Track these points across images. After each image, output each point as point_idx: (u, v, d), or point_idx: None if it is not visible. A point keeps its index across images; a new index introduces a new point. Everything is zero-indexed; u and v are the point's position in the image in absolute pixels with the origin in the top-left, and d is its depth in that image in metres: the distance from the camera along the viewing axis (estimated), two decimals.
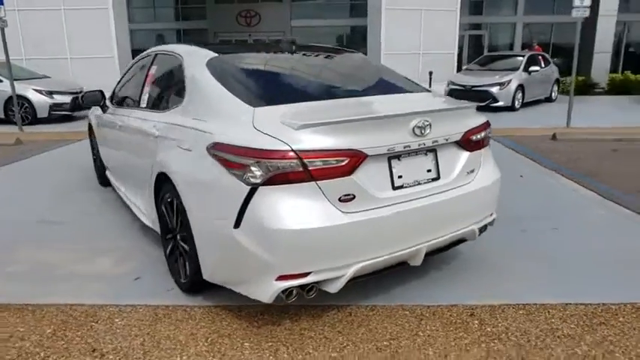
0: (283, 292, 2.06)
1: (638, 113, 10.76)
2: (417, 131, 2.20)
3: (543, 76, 12.23)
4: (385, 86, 2.98)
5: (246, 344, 2.25)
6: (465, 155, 2.49)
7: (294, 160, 1.95)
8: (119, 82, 4.29)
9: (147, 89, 3.36)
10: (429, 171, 2.35)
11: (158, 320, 2.47)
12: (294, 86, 2.71)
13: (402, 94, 2.83)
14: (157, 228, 3.10)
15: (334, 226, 2.01)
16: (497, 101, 10.81)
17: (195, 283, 2.58)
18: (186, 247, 2.54)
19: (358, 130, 2.08)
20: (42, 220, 4.03)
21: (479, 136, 2.55)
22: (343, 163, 2.02)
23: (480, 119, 2.63)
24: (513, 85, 10.98)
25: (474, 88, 11.04)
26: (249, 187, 2.00)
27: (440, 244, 2.43)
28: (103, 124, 4.34)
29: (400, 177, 2.23)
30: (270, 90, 2.54)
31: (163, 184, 2.77)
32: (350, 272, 2.11)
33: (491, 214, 2.73)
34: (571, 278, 2.87)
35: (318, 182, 2.00)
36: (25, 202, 4.53)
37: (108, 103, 4.27)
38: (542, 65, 12.24)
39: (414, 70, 13.54)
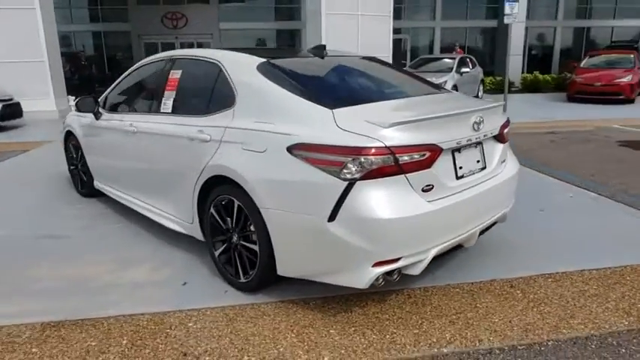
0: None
1: (552, 109, 12.17)
2: (475, 126, 2.50)
3: (471, 77, 13.34)
4: (421, 87, 3.24)
5: (332, 331, 2.40)
6: (499, 147, 2.83)
7: (388, 156, 2.14)
8: (114, 88, 4.13)
9: (170, 94, 3.31)
10: (478, 162, 2.65)
11: (232, 320, 2.52)
12: (354, 89, 2.88)
13: (440, 94, 3.11)
14: (196, 233, 3.11)
15: (422, 214, 2.23)
16: None
17: (263, 281, 2.66)
18: (253, 246, 2.61)
19: (434, 127, 2.32)
20: (41, 235, 3.78)
21: (506, 130, 2.92)
22: (425, 157, 2.25)
23: (504, 116, 2.99)
24: (449, 86, 11.84)
25: None
26: (345, 183, 2.15)
27: (484, 227, 2.74)
28: (96, 132, 4.15)
29: (461, 168, 2.51)
30: (336, 92, 2.69)
31: (214, 188, 2.80)
32: (431, 255, 2.34)
33: (511, 200, 3.11)
34: (574, 250, 3.34)
35: (407, 175, 2.21)
36: (6, 220, 4.19)
37: (101, 109, 4.11)
38: (471, 67, 13.36)
39: None
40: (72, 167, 4.94)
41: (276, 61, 2.88)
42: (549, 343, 2.28)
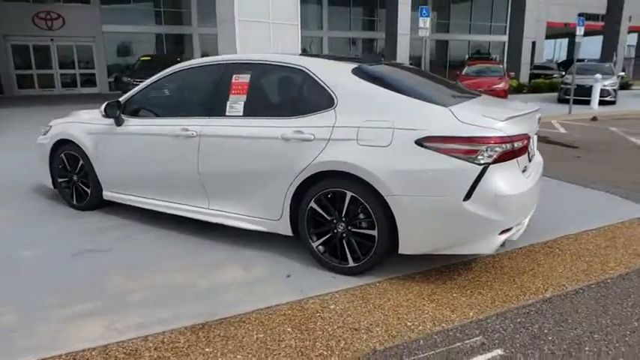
0: None
1: None
2: (539, 121, 3.15)
3: None
4: (465, 91, 3.81)
5: (454, 294, 2.82)
6: (535, 139, 3.55)
7: (509, 144, 2.66)
8: (138, 93, 3.95)
9: (238, 98, 3.38)
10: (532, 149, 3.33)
11: (365, 298, 2.79)
12: (439, 90, 3.29)
13: (485, 97, 3.67)
14: (282, 229, 3.27)
15: (526, 190, 2.80)
16: None
17: (375, 263, 2.97)
18: (369, 231, 2.91)
19: (524, 121, 2.90)
20: (77, 252, 3.49)
21: None
22: (524, 144, 2.82)
23: None
24: None
25: None
26: (480, 167, 2.61)
27: None
28: (119, 139, 3.93)
29: (529, 154, 3.14)
30: (432, 93, 3.09)
31: (316, 183, 3.03)
32: (524, 225, 2.92)
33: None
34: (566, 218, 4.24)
35: (517, 159, 2.75)
36: (17, 239, 3.73)
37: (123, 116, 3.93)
38: None
39: None
40: (62, 180, 4.51)
41: (364, 67, 3.21)
42: (608, 281, 3.02)
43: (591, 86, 14.47)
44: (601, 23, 34.56)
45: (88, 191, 4.33)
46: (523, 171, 2.89)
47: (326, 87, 3.09)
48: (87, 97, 18.71)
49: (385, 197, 2.79)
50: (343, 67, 3.17)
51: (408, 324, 2.53)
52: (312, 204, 3.08)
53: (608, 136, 9.20)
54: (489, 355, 2.27)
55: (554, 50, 47.67)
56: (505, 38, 31.55)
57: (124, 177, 4.03)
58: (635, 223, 4.09)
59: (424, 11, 10.09)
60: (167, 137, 3.65)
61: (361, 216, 2.94)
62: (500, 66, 16.14)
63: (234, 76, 3.47)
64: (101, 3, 20.38)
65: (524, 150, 2.83)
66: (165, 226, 3.95)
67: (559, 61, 36.08)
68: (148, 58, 15.43)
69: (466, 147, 2.63)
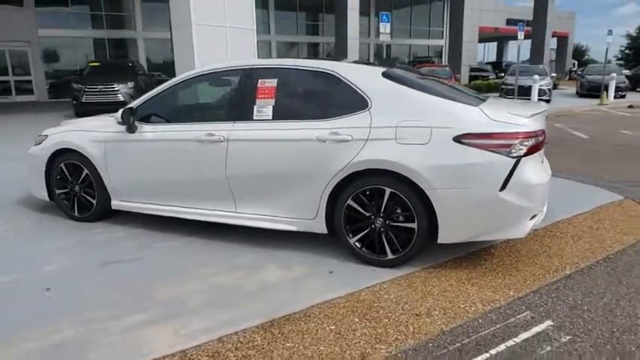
0: None
1: None
2: (546, 119, 3.50)
3: None
4: (471, 93, 4.10)
5: (490, 277, 3.08)
6: None
7: (534, 138, 2.95)
8: (149, 100, 3.89)
9: (266, 102, 3.44)
10: None
11: (412, 286, 2.98)
12: (458, 92, 3.51)
13: (493, 98, 3.98)
14: (317, 227, 3.39)
15: (547, 179, 3.12)
16: None
17: (414, 254, 3.17)
18: (408, 224, 3.10)
19: (540, 118, 3.22)
20: (104, 262, 3.41)
21: None
22: (542, 138, 3.14)
23: None
24: None
25: None
26: (514, 160, 2.88)
27: None
28: (133, 146, 3.85)
29: None
30: (454, 95, 3.32)
31: (353, 181, 3.18)
32: (544, 212, 3.23)
33: None
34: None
35: (540, 152, 3.06)
36: (27, 255, 3.56)
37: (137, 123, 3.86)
38: None
39: None
40: (61, 191, 4.32)
41: (392, 71, 3.40)
42: (611, 256, 3.42)
43: (530, 86, 15.68)
44: (528, 28, 37.43)
45: (94, 201, 4.19)
46: (542, 162, 3.21)
47: (359, 90, 3.26)
48: (23, 105, 17.56)
49: (426, 191, 2.99)
50: (374, 71, 3.35)
51: (461, 306, 2.74)
52: (350, 201, 3.23)
53: (555, 131, 10.05)
54: (542, 326, 2.53)
55: (485, 53, 50.89)
56: (442, 42, 33.31)
57: (139, 185, 3.95)
58: (611, 206, 4.60)
59: (384, 17, 10.52)
60: (190, 142, 3.64)
61: (399, 210, 3.13)
62: (447, 69, 17.03)
63: (259, 80, 3.54)
64: (36, 5, 19.18)
65: (542, 144, 3.16)
66: (183, 233, 3.92)
67: (487, 63, 38.50)
68: (98, 63, 14.73)
69: (501, 142, 2.90)
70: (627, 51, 38.29)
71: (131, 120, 3.80)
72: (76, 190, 4.26)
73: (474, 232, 3.09)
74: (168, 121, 3.85)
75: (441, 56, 32.59)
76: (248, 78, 3.59)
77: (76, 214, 4.31)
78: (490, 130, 2.93)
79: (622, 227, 4.01)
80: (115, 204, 4.12)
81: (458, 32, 23.66)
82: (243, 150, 3.49)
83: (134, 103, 3.96)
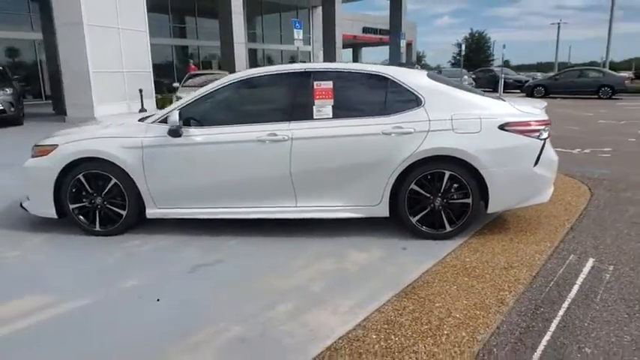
0: None
1: None
2: None
3: None
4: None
5: (523, 237, 3.88)
6: None
7: (549, 125, 3.83)
8: (193, 102, 3.84)
9: (325, 102, 3.73)
10: None
11: (479, 250, 3.61)
12: (478, 91, 4.17)
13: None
14: (381, 212, 3.81)
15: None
16: None
17: (468, 225, 3.81)
18: (464, 200, 3.72)
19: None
20: (192, 267, 3.35)
21: None
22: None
23: None
24: None
25: None
26: (542, 142, 3.69)
27: None
28: (182, 150, 3.77)
29: None
30: (482, 93, 4.00)
31: (416, 168, 3.69)
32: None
33: None
34: None
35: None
36: (85, 274, 3.27)
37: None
38: None
39: (120, 88, 13.25)
40: (77, 206, 3.94)
41: (432, 73, 3.98)
42: (588, 208, 4.52)
43: None
44: (379, 36, 41.51)
45: (123, 212, 3.95)
46: None
47: (411, 90, 3.77)
48: None
49: (480, 171, 3.65)
50: (420, 73, 3.90)
51: (527, 257, 3.47)
52: (413, 185, 3.73)
53: None
54: (590, 262, 3.39)
55: (342, 58, 54.63)
56: (310, 48, 35.05)
57: (188, 190, 3.86)
58: None
59: (297, 24, 11.05)
60: (250, 143, 3.74)
61: (455, 189, 3.74)
62: None
63: (315, 82, 3.82)
64: None
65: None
66: (228, 235, 3.97)
67: None
68: None
69: (533, 128, 3.70)
70: (458, 57, 45.20)
71: (180, 124, 3.72)
72: (97, 202, 3.94)
73: (514, 200, 3.85)
74: (218, 123, 3.85)
75: (310, 61, 34.25)
76: (303, 80, 3.83)
77: (98, 228, 3.99)
78: (525, 119, 3.72)
79: (565, 197, 5.23)
80: (152, 212, 3.95)
81: (331, 39, 25.31)
82: (307, 147, 3.73)
83: (176, 107, 3.86)
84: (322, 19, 25.68)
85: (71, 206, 3.97)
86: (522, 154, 3.71)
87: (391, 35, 30.40)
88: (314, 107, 3.78)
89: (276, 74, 3.96)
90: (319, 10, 33.97)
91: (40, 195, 4.00)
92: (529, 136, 3.70)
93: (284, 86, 3.93)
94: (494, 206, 3.79)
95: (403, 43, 30.34)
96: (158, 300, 2.90)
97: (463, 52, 24.91)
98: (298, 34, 11.34)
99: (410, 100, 3.76)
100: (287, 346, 2.42)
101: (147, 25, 14.11)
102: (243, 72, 3.99)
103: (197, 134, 3.80)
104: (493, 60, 47.07)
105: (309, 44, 34.91)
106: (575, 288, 3.02)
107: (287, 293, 2.98)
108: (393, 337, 2.49)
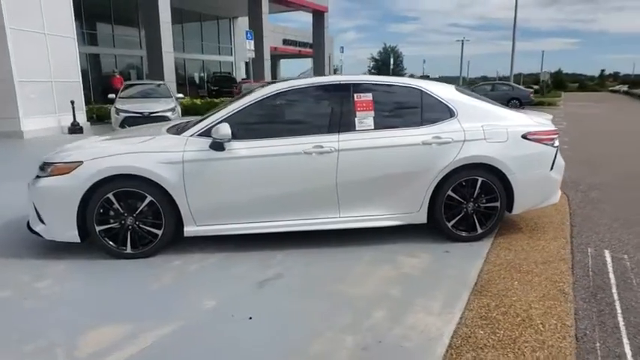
0: None
1: None
2: None
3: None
4: None
5: (544, 231, 4.32)
6: None
7: (558, 134, 4.32)
8: (232, 116, 3.75)
9: (366, 114, 3.86)
10: None
11: (511, 249, 3.96)
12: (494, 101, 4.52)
13: None
14: (420, 218, 4.02)
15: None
16: None
17: (495, 226, 4.15)
18: (493, 204, 4.06)
19: None
20: (260, 281, 3.27)
21: None
22: None
23: None
24: (179, 110, 12.65)
25: (151, 115, 11.80)
26: (555, 149, 4.15)
27: None
28: (225, 164, 3.65)
29: None
30: (502, 105, 4.37)
31: (452, 175, 3.95)
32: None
33: None
34: None
35: None
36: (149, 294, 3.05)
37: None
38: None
39: (49, 99, 12.10)
40: (104, 227, 3.64)
41: (459, 87, 4.29)
42: (574, 210, 5.12)
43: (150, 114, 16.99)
44: (299, 48, 42.24)
45: (158, 232, 3.72)
46: None
47: (444, 102, 4.05)
48: None
49: (508, 176, 4.01)
50: (449, 87, 4.19)
51: (555, 253, 3.88)
52: (450, 192, 3.99)
53: None
54: (607, 253, 3.88)
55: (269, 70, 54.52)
56: (232, 59, 34.64)
57: (231, 205, 3.74)
58: None
59: (249, 35, 10.99)
60: (296, 156, 3.74)
61: (485, 194, 4.07)
62: (267, 82, 18.22)
63: (355, 95, 3.93)
64: None
65: None
66: (268, 247, 3.93)
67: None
68: None
69: (549, 137, 4.15)
70: (373, 70, 47.55)
71: (230, 137, 3.62)
72: (127, 222, 3.67)
73: (534, 202, 4.27)
74: (260, 136, 3.79)
75: (232, 71, 33.82)
76: (343, 93, 3.93)
77: (129, 250, 3.71)
78: (543, 129, 4.17)
79: None
80: (191, 230, 3.76)
81: (259, 50, 25.25)
82: (353, 158, 3.82)
83: (217, 119, 3.74)
84: (253, 29, 25.52)
85: (97, 228, 3.65)
86: (541, 160, 4.15)
87: (314, 47, 31.12)
88: (356, 119, 3.90)
89: (316, 86, 4.01)
90: (239, 20, 33.95)
91: (60, 217, 3.62)
92: (546, 144, 4.15)
93: (325, 98, 3.99)
94: (517, 208, 4.18)
95: (327, 56, 31.26)
96: (250, 318, 2.80)
97: (392, 66, 26.51)
98: (250, 44, 11.24)
99: (443, 111, 4.03)
100: (410, 348, 2.50)
101: (74, 32, 13.09)
102: (283, 84, 3.98)
103: (241, 147, 3.71)
104: (405, 73, 50.25)
105: (231, 55, 34.54)
106: (611, 276, 3.46)
107: (370, 300, 3.04)
108: (497, 331, 2.69)
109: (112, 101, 12.74)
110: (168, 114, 12.02)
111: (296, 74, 47.25)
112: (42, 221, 3.70)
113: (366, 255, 3.81)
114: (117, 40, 25.32)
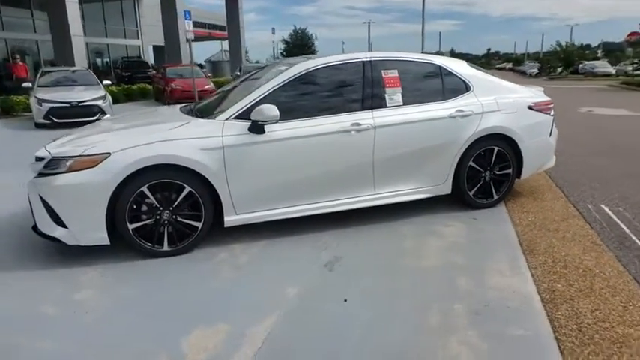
0: None
1: None
2: None
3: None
4: None
5: (549, 197, 4.72)
6: None
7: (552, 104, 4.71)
8: (265, 97, 3.56)
9: (394, 90, 3.89)
10: None
11: (527, 212, 4.29)
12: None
13: None
14: (445, 189, 4.18)
15: None
16: (106, 114, 11.12)
17: (507, 193, 4.46)
18: (506, 171, 4.35)
19: None
20: (325, 264, 3.20)
21: None
22: None
23: None
24: (109, 98, 11.58)
25: (80, 104, 10.70)
26: (552, 117, 4.53)
27: None
28: (265, 148, 3.46)
29: None
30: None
31: (473, 146, 4.16)
32: None
33: None
34: None
35: None
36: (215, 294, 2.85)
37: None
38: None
39: None
40: (138, 225, 3.29)
41: (469, 63, 4.46)
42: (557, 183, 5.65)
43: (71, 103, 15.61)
44: (209, 31, 40.56)
45: (198, 225, 3.46)
46: None
47: (460, 77, 4.21)
48: None
49: (519, 144, 4.31)
50: (462, 62, 4.36)
51: (565, 210, 4.28)
52: (471, 162, 4.20)
53: None
54: (605, 207, 4.37)
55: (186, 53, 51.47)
56: (139, 42, 32.30)
57: (270, 190, 3.58)
58: None
59: (187, 15, 10.33)
60: (335, 135, 3.68)
61: (499, 162, 4.34)
62: (197, 68, 17.40)
63: (382, 71, 3.94)
64: None
65: None
66: (312, 230, 3.87)
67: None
68: None
69: (547, 107, 4.52)
70: (284, 53, 47.09)
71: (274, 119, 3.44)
72: (164, 217, 3.37)
73: (537, 166, 4.63)
74: (297, 116, 3.65)
75: (141, 55, 31.58)
76: (371, 70, 3.91)
77: (167, 247, 3.41)
78: (544, 99, 4.52)
79: None
80: (231, 220, 3.55)
81: (173, 32, 23.79)
82: (388, 134, 3.85)
83: (251, 101, 3.53)
84: (162, 13, 23.90)
85: (130, 227, 3.30)
86: (542, 128, 4.51)
87: (229, 30, 30.08)
88: (386, 95, 3.92)
89: (345, 63, 3.92)
90: (145, 1, 31.63)
91: (86, 218, 3.21)
92: (546, 114, 4.52)
93: (354, 75, 3.92)
94: (525, 174, 4.51)
95: (242, 39, 30.37)
96: (345, 300, 2.76)
97: (315, 49, 26.21)
98: (188, 25, 10.51)
99: (460, 85, 4.20)
100: (515, 308, 2.65)
101: None
102: (311, 62, 3.84)
103: (279, 129, 3.55)
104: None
105: (138, 38, 32.17)
106: (623, 226, 3.91)
107: (444, 269, 3.14)
108: (572, 283, 2.93)
109: (16, 90, 11.22)
110: (99, 102, 10.99)
111: (208, 57, 45.41)
112: (62, 224, 3.25)
113: (403, 229, 3.89)
114: (6, 24, 22.29)
